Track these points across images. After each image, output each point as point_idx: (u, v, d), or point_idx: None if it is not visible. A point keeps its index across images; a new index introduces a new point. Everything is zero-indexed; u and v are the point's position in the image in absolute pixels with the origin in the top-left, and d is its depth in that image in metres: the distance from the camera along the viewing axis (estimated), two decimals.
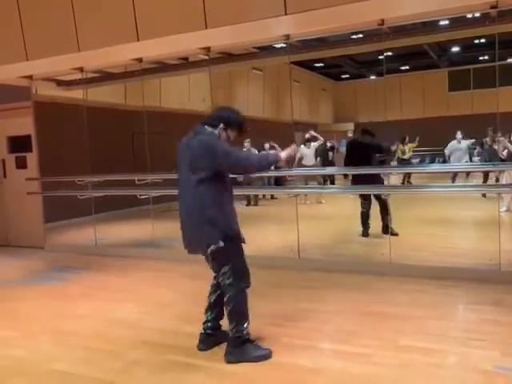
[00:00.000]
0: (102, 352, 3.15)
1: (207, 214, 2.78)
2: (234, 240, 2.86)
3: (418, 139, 9.94)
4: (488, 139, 8.50)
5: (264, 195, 9.58)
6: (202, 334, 3.06)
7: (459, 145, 9.03)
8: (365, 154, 5.78)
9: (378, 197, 5.76)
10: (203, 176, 2.78)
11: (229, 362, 2.85)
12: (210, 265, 2.95)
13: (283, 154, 2.96)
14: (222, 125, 2.91)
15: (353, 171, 5.96)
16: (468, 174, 8.54)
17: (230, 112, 2.98)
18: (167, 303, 4.10)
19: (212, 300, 3.05)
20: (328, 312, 3.70)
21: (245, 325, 2.89)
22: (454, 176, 8.60)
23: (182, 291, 4.39)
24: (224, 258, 2.86)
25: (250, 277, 2.95)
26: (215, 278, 3.03)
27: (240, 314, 2.89)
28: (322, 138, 9.16)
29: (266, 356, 2.89)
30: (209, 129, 2.90)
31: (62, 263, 5.96)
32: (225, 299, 2.91)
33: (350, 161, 6.14)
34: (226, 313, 2.96)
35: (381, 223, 5.78)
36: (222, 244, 2.79)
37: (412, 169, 8.79)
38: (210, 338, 3.06)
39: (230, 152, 2.82)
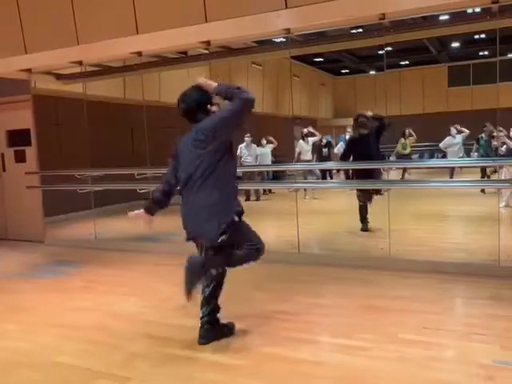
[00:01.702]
0: (103, 345, 3.17)
1: (222, 199, 2.87)
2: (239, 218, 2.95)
3: (407, 131, 9.92)
4: (484, 134, 8.51)
5: (266, 191, 9.55)
6: (200, 328, 3.07)
7: (454, 140, 9.06)
8: (367, 147, 5.75)
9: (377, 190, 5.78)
10: (214, 163, 2.84)
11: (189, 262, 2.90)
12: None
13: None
14: (208, 106, 2.96)
15: (351, 166, 5.97)
16: (461, 168, 8.54)
17: (198, 91, 2.96)
18: (167, 296, 4.10)
19: (206, 294, 3.04)
20: (328, 306, 3.72)
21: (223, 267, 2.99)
22: (452, 171, 8.61)
23: (181, 285, 4.39)
24: (237, 239, 2.94)
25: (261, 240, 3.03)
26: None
27: (240, 261, 3.00)
28: (319, 134, 9.21)
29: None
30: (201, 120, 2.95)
31: (62, 257, 5.97)
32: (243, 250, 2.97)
33: (347, 157, 6.12)
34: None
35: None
36: (231, 225, 2.86)
37: (411, 163, 8.81)
38: (209, 332, 3.06)
39: (221, 115, 2.88)
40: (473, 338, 2.95)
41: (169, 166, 3.16)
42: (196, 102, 2.93)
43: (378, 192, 5.75)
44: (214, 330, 3.07)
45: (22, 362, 3.00)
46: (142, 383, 2.66)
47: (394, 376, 2.57)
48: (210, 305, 3.05)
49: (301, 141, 8.99)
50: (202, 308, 3.06)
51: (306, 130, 9.06)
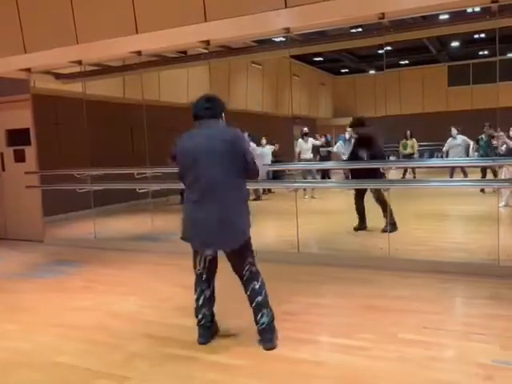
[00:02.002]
0: (103, 345, 3.17)
1: (245, 206, 2.93)
2: None
3: (408, 132, 9.95)
4: (484, 135, 8.50)
5: (266, 190, 9.54)
6: (201, 327, 3.07)
7: (456, 140, 9.04)
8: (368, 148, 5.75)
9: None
10: (239, 168, 2.86)
11: (271, 348, 2.90)
12: (233, 258, 2.96)
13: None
14: (223, 115, 3.02)
15: (351, 165, 5.97)
16: (464, 172, 8.55)
17: (219, 100, 3.04)
18: (167, 296, 4.11)
19: (208, 295, 3.06)
20: (327, 306, 3.72)
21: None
22: (452, 171, 8.62)
23: (181, 285, 4.39)
24: (250, 246, 2.98)
25: None
26: (207, 274, 3.03)
27: (268, 298, 2.99)
28: (320, 138, 9.30)
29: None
30: (221, 122, 2.99)
31: (62, 256, 5.96)
32: (256, 287, 2.93)
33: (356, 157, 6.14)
34: (258, 301, 2.92)
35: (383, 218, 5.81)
36: (249, 233, 2.94)
37: (411, 163, 8.81)
38: (209, 331, 3.08)
39: (249, 156, 2.93)
40: (472, 338, 2.96)
41: (171, 164, 3.16)
42: (221, 109, 3.02)
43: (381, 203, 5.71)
44: (212, 327, 3.11)
45: (21, 361, 3.00)
46: (141, 383, 2.66)
47: (394, 376, 2.57)
48: (212, 305, 3.10)
49: (300, 140, 9.00)
50: (201, 310, 3.04)
51: (305, 129, 9.07)
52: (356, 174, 5.72)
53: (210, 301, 3.09)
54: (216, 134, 2.89)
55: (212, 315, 3.11)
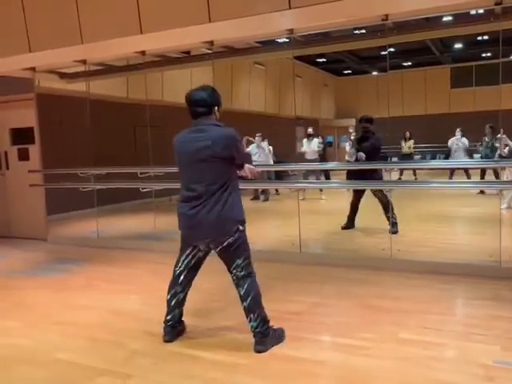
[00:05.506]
0: (105, 342, 3.18)
1: (232, 201, 2.83)
2: (244, 229, 2.93)
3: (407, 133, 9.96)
4: (487, 137, 8.48)
5: (275, 191, 9.50)
6: (168, 326, 3.08)
7: (458, 142, 9.05)
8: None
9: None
10: (226, 166, 2.83)
11: (260, 351, 2.87)
12: (222, 255, 2.92)
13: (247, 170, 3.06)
14: (215, 108, 2.91)
15: (352, 167, 5.97)
16: (467, 174, 8.54)
17: (215, 92, 2.91)
18: None
19: (181, 298, 3.08)
20: (328, 305, 3.73)
21: (264, 310, 2.95)
22: (452, 172, 8.61)
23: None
24: (241, 247, 2.89)
25: None
26: (185, 276, 3.04)
27: (260, 302, 2.93)
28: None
29: (283, 333, 3.05)
30: (212, 121, 2.88)
31: (65, 255, 5.99)
32: (242, 292, 2.90)
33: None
34: (244, 306, 2.91)
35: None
36: (240, 232, 2.86)
37: (411, 164, 8.80)
38: (175, 329, 3.10)
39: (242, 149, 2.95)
40: (473, 339, 2.96)
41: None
42: (216, 103, 2.92)
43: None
44: (180, 326, 3.15)
45: (23, 358, 3.02)
46: (143, 381, 2.67)
47: (394, 375, 2.58)
48: (183, 305, 3.12)
49: (304, 140, 9.02)
50: (173, 311, 3.07)
51: (310, 130, 9.08)
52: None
53: (182, 303, 3.10)
54: (203, 136, 2.81)
55: (181, 315, 3.11)
